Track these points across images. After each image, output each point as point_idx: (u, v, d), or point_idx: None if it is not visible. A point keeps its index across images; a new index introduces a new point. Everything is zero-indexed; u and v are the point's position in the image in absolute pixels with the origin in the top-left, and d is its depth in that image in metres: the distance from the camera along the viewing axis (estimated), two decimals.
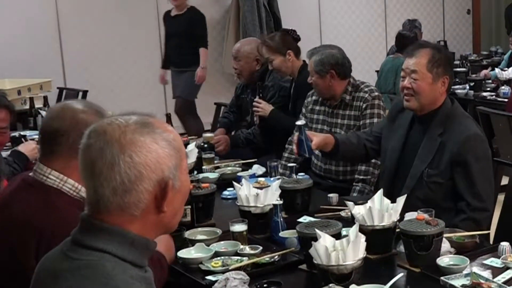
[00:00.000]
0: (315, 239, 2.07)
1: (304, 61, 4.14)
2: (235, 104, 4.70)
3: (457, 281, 2.04)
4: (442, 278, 2.07)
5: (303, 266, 2.26)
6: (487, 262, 2.24)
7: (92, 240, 1.35)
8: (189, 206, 2.62)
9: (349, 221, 2.54)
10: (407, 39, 6.93)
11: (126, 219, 1.36)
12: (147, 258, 1.43)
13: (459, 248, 2.31)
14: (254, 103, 4.22)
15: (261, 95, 4.22)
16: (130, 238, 1.36)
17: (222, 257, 2.31)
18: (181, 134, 4.37)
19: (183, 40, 6.49)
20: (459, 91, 6.42)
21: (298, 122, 2.92)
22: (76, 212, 1.72)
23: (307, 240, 2.17)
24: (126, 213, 1.35)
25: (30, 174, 2.04)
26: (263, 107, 4.17)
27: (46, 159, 2.02)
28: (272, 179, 3.08)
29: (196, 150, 3.24)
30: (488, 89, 6.55)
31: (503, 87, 6.10)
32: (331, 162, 3.64)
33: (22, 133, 4.52)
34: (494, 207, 2.82)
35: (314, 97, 3.80)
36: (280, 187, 2.71)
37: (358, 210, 2.33)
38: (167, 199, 1.37)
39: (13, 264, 1.91)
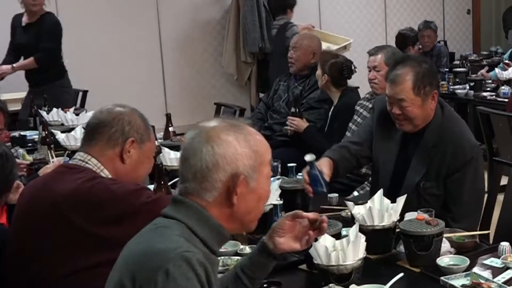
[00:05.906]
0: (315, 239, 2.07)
1: (345, 88, 4.17)
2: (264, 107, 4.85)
3: (457, 281, 2.04)
4: (442, 278, 2.07)
5: (303, 266, 2.26)
6: (487, 262, 2.24)
7: (173, 211, 1.58)
8: None
9: (349, 221, 2.54)
10: (407, 39, 6.95)
11: (203, 203, 1.56)
12: (220, 246, 1.61)
13: (459, 248, 2.32)
14: (288, 118, 4.23)
15: (297, 109, 4.19)
16: (206, 217, 1.56)
17: (222, 257, 2.31)
18: (180, 134, 4.37)
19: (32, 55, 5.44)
20: (459, 91, 6.42)
21: (308, 158, 2.52)
22: (119, 183, 2.03)
23: None
24: (202, 198, 1.56)
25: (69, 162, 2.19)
26: (297, 124, 4.17)
27: (85, 146, 2.14)
28: (272, 179, 3.07)
29: None
30: (488, 89, 6.55)
31: (503, 87, 6.09)
32: None
33: (22, 133, 4.53)
34: (479, 216, 2.81)
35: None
36: (280, 187, 2.71)
37: (358, 210, 2.34)
38: (238, 193, 1.56)
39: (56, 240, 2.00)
